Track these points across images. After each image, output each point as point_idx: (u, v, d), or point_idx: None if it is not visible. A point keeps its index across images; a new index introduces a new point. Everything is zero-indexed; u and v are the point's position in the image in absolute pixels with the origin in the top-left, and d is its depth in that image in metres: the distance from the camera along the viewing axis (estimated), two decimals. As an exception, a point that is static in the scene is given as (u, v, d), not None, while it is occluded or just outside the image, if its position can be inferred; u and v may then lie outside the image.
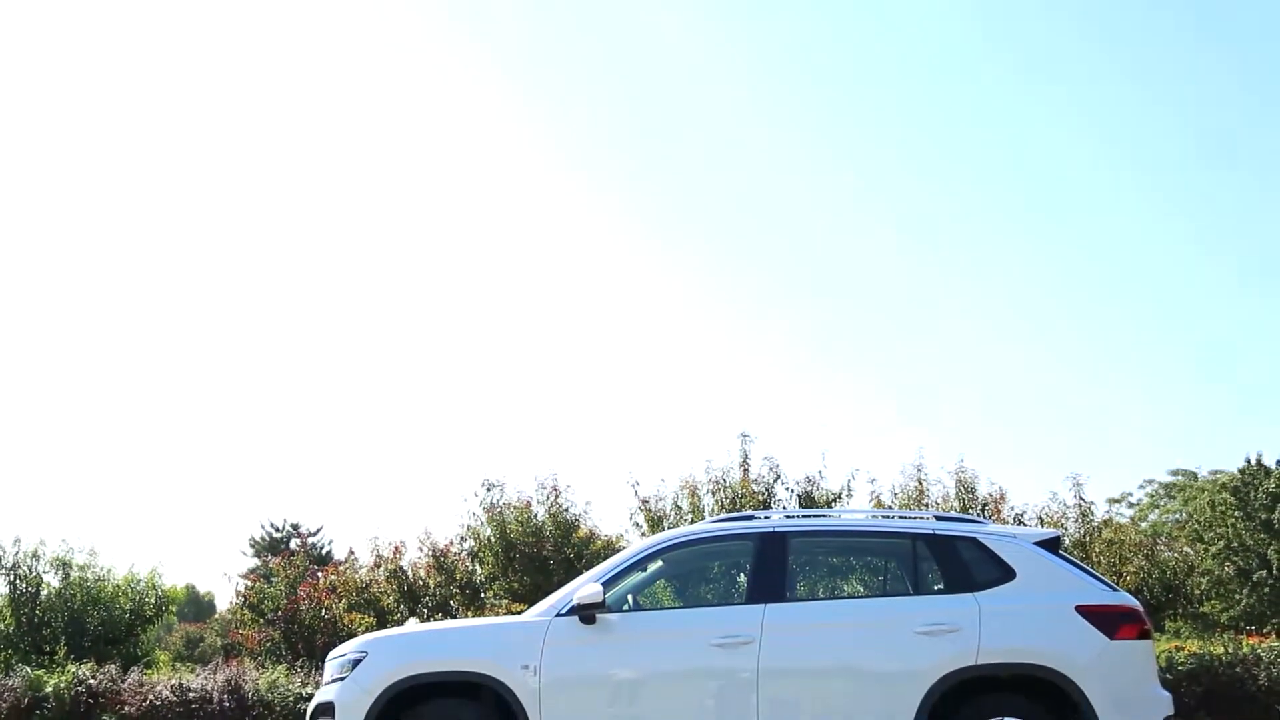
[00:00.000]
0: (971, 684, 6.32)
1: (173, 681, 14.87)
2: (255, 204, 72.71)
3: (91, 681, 14.95)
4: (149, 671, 17.12)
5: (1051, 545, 6.84)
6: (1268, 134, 58.73)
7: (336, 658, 6.93)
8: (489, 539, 18.95)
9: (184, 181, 68.98)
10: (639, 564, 7.02)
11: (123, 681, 15.04)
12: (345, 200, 69.83)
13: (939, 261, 61.46)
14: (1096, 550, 17.44)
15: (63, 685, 14.87)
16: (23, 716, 14.61)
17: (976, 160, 62.66)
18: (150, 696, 14.44)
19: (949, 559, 6.73)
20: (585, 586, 6.63)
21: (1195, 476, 45.75)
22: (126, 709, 14.39)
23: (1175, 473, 47.87)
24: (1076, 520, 18.28)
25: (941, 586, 6.71)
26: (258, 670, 15.47)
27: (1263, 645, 14.37)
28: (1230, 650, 14.14)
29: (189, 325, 74.41)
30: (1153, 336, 63.99)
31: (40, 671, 15.76)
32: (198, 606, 62.33)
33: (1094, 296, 62.95)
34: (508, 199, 67.78)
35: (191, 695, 14.33)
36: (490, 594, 18.57)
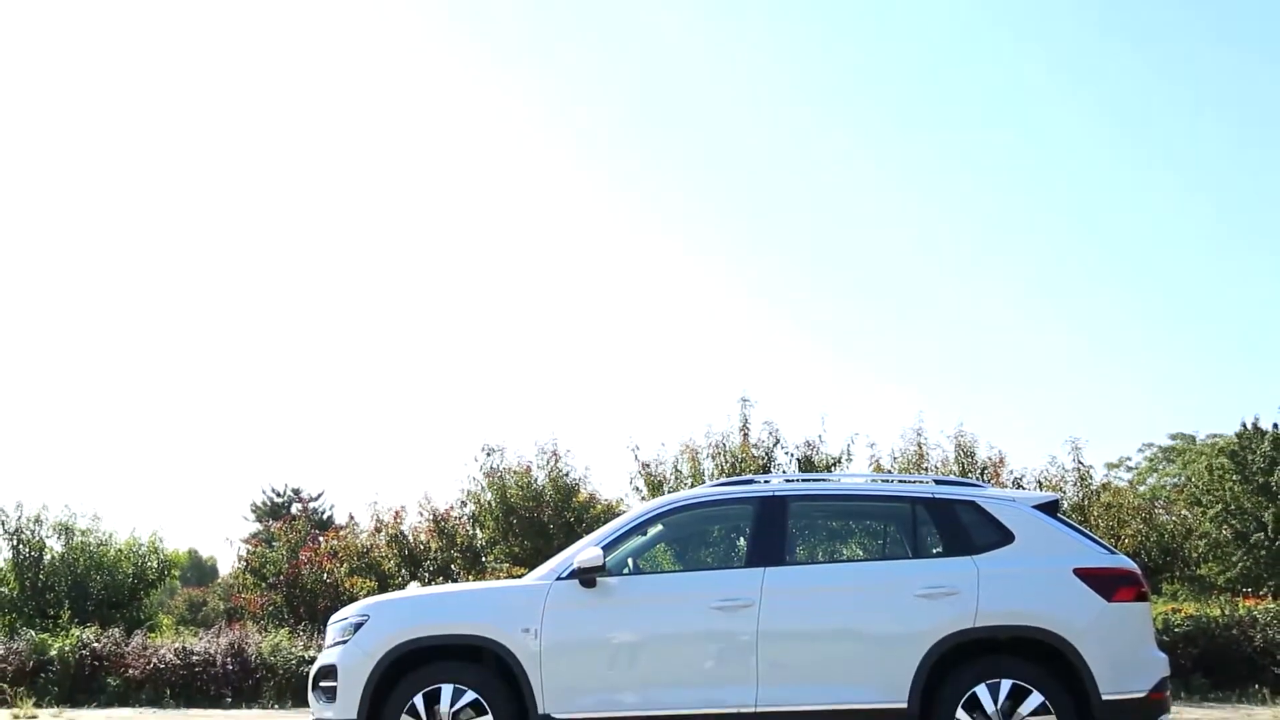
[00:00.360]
0: (970, 646, 6.36)
1: (176, 645, 14.98)
2: (260, 174, 72.43)
3: (96, 645, 15.06)
4: (152, 635, 17.24)
5: (1050, 509, 6.86)
6: (1269, 89, 58.39)
7: (338, 621, 6.97)
8: (489, 503, 19.01)
9: (188, 154, 68.67)
10: (639, 528, 7.04)
11: (126, 645, 15.14)
12: (347, 170, 69.54)
13: (938, 226, 61.29)
14: (1095, 514, 17.51)
15: (67, 648, 14.97)
16: (28, 679, 14.72)
17: (974, 126, 62.30)
18: (154, 659, 14.55)
19: (948, 522, 6.75)
20: (585, 550, 6.65)
21: (1194, 440, 45.84)
22: (130, 672, 14.50)
23: (1174, 436, 47.95)
24: (1075, 484, 18.35)
25: (940, 550, 6.74)
26: (260, 634, 15.58)
27: (1259, 607, 14.45)
28: (1226, 612, 14.23)
29: (191, 292, 74.30)
30: (1152, 300, 63.92)
31: (45, 635, 15.87)
32: (200, 571, 62.68)
33: (1093, 261, 62.83)
34: (506, 166, 67.50)
35: (195, 658, 14.43)
36: (491, 558, 18.66)
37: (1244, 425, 32.46)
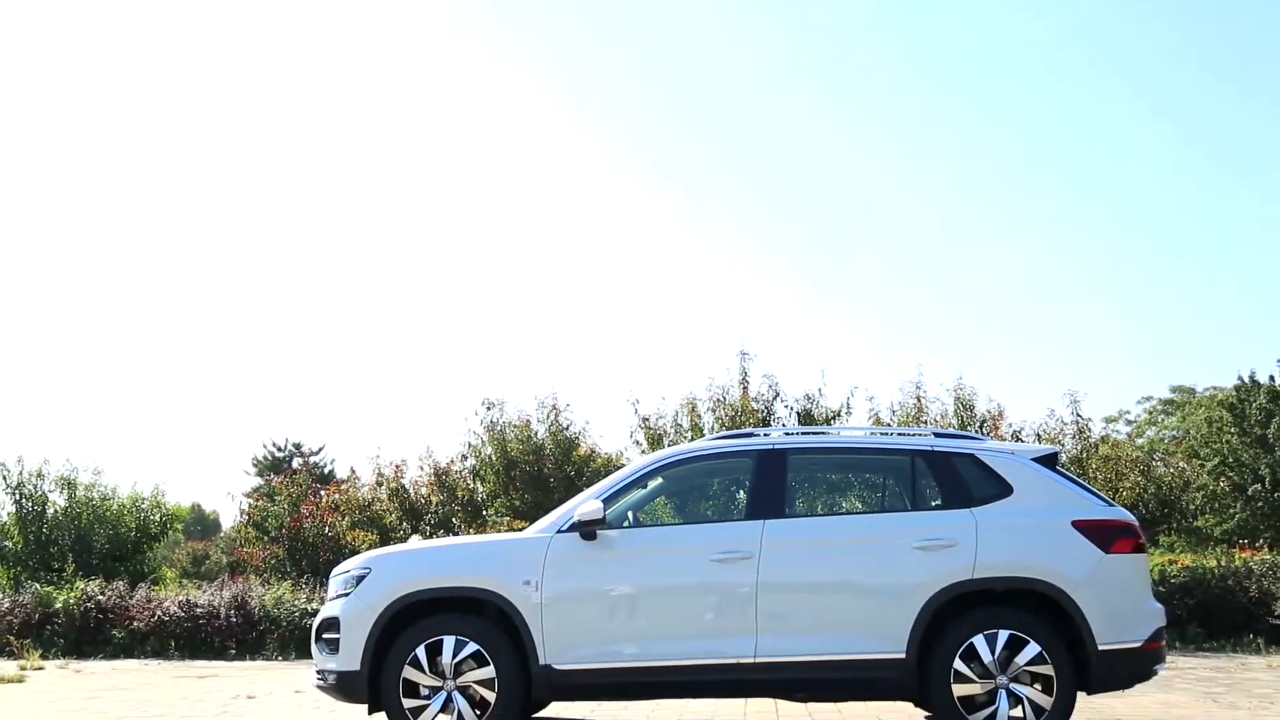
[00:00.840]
0: (968, 597, 6.38)
1: (180, 597, 15.09)
2: (265, 132, 71.85)
3: (100, 597, 15.17)
4: (156, 588, 17.39)
5: (1049, 461, 6.87)
6: (1268, 38, 57.80)
7: (341, 574, 7.00)
8: (490, 457, 19.06)
9: (199, 115, 68.09)
10: (639, 481, 7.05)
11: (131, 598, 15.26)
12: (350, 127, 68.98)
13: (937, 181, 60.94)
14: (1093, 466, 17.58)
15: (72, 601, 15.09)
16: (34, 631, 14.86)
17: (972, 81, 61.76)
18: (158, 612, 14.67)
19: (947, 475, 6.76)
20: (586, 503, 6.67)
21: (1193, 393, 45.88)
22: (135, 624, 14.63)
23: (1173, 390, 48.00)
24: (1074, 437, 18.41)
25: (939, 502, 6.76)
26: (263, 587, 15.69)
27: (1254, 559, 14.55)
28: (1222, 564, 14.33)
29: (192, 247, 74.03)
30: (1152, 253, 63.71)
31: (50, 588, 15.99)
32: (204, 524, 63.00)
33: (1091, 214, 62.53)
34: (507, 124, 66.94)
35: (199, 611, 14.56)
36: (491, 511, 18.74)
37: (1241, 378, 32.48)
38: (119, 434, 75.01)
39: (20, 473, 20.18)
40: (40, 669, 12.75)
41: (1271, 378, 31.93)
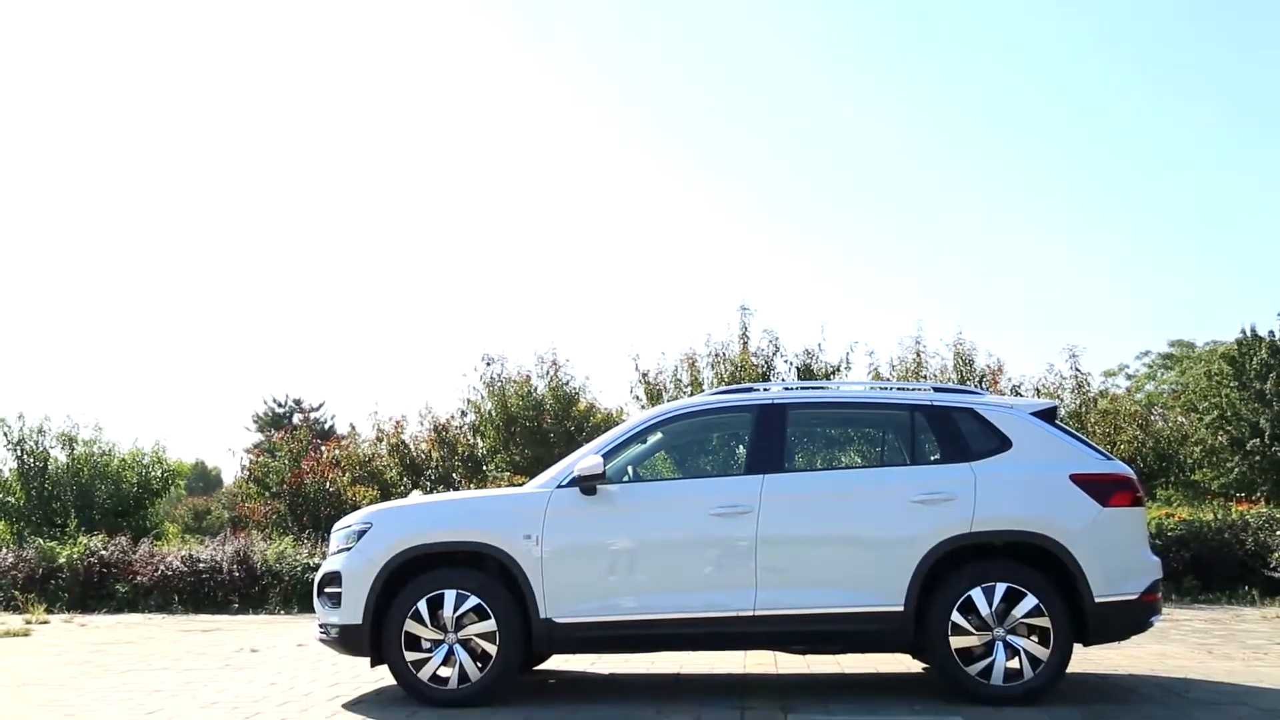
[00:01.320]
0: (966, 551, 6.42)
1: (183, 552, 15.16)
2: (268, 89, 71.22)
3: (103, 552, 15.25)
4: (159, 543, 17.46)
5: (1048, 415, 6.88)
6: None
7: (342, 529, 7.03)
8: (489, 413, 19.09)
9: (197, 71, 67.44)
10: (639, 436, 7.06)
11: (134, 553, 15.34)
12: (352, 83, 68.37)
13: (937, 136, 60.51)
14: (1092, 420, 17.62)
15: (76, 556, 15.17)
16: (38, 585, 14.95)
17: (972, 39, 61.10)
18: (161, 567, 14.75)
19: (946, 429, 6.77)
20: (586, 458, 6.68)
21: (1192, 348, 45.89)
22: (139, 579, 14.71)
23: (1173, 344, 48.02)
24: (1073, 391, 18.44)
25: (938, 456, 6.77)
26: (265, 541, 15.77)
27: (1251, 512, 14.61)
28: (1219, 517, 14.38)
29: (193, 201, 73.66)
30: (1153, 207, 63.43)
31: (53, 543, 16.07)
32: (206, 480, 63.22)
33: (1093, 169, 62.17)
34: (508, 81, 66.33)
35: (202, 565, 14.63)
36: (492, 467, 18.79)
37: (1244, 331, 32.45)
38: (120, 391, 75.12)
39: (21, 429, 20.24)
40: (45, 623, 12.85)
41: (1272, 332, 31.91)
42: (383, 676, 7.36)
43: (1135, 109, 61.39)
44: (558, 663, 8.26)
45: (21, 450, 20.14)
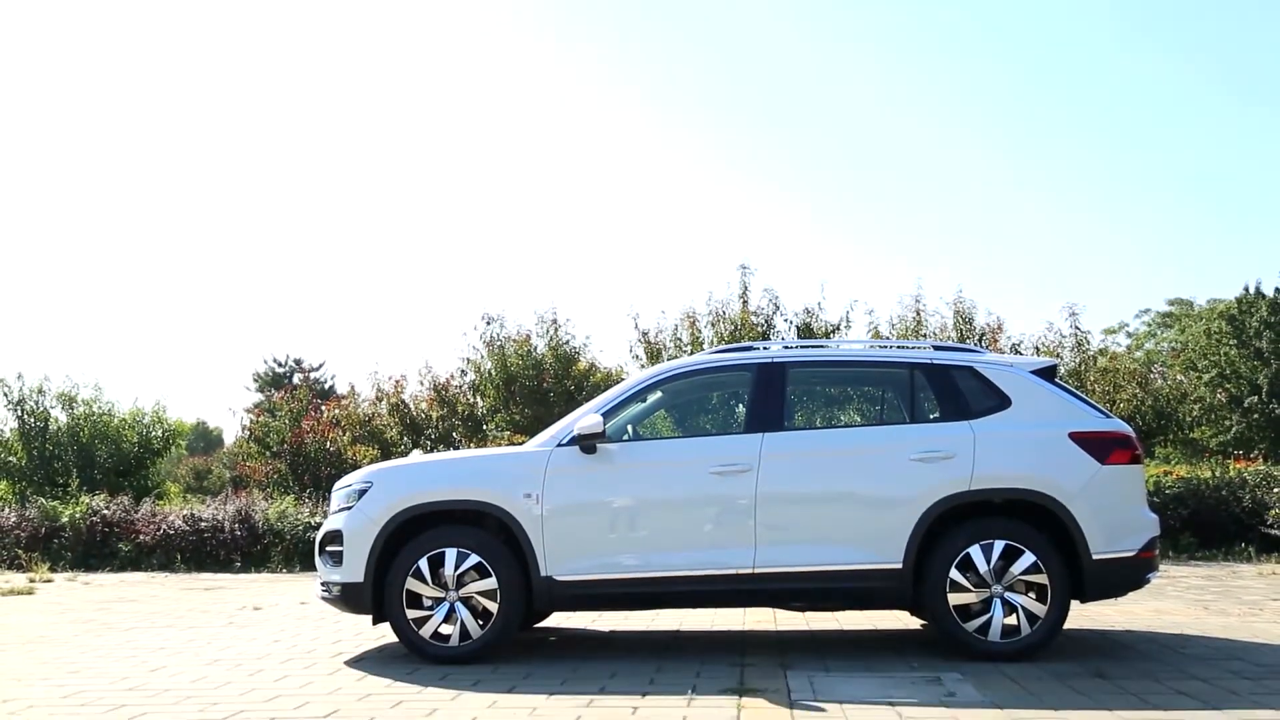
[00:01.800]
0: (965, 509, 6.44)
1: (185, 512, 15.24)
2: (270, 47, 70.57)
3: (106, 512, 15.32)
4: (161, 502, 17.54)
5: (1047, 374, 6.87)
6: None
7: (343, 488, 7.05)
8: (489, 372, 19.11)
9: (202, 30, 66.80)
10: (639, 395, 7.06)
11: (136, 512, 15.41)
12: (354, 44, 67.75)
13: (936, 94, 60.06)
14: (1091, 379, 17.65)
15: (78, 515, 15.23)
16: (41, 545, 15.03)
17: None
18: (164, 526, 14.82)
19: (945, 388, 6.76)
20: (586, 417, 6.68)
21: (1192, 306, 45.82)
22: (141, 538, 14.79)
23: (1172, 302, 47.95)
24: (1072, 349, 18.45)
25: (937, 415, 6.77)
26: (266, 501, 15.83)
27: (1249, 469, 14.66)
28: (1216, 474, 14.44)
29: (193, 163, 73.28)
30: (1154, 165, 63.10)
31: (55, 503, 16.14)
32: (207, 440, 63.41)
33: (1093, 127, 61.77)
34: (510, 37, 65.74)
35: (204, 525, 14.70)
36: (492, 426, 18.84)
37: (1246, 289, 32.38)
38: (120, 351, 75.14)
39: (21, 389, 20.26)
40: (49, 581, 12.93)
41: (1277, 289, 31.79)
42: (385, 634, 7.42)
43: (1137, 64, 60.91)
44: (558, 620, 8.32)
45: (22, 410, 20.18)
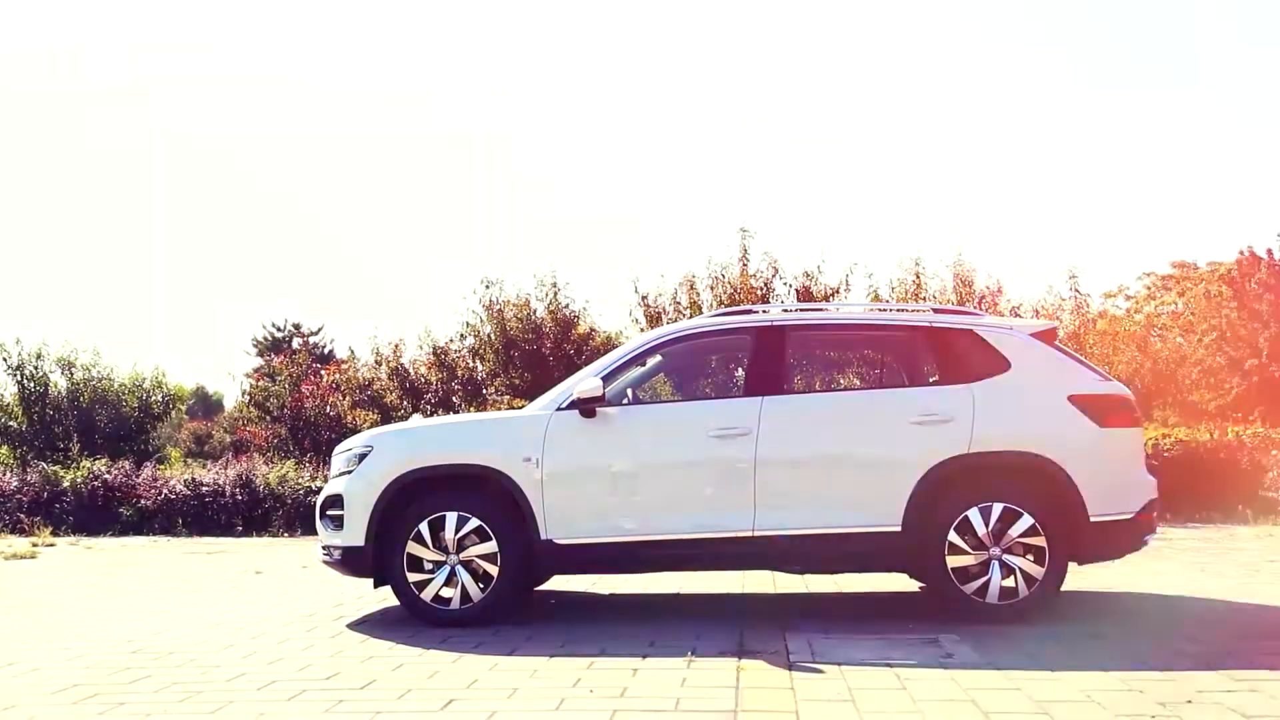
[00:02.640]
0: (964, 471, 6.42)
1: (186, 476, 15.30)
2: (265, 11, 69.92)
3: (107, 476, 15.37)
4: (162, 467, 17.59)
5: (1047, 336, 6.86)
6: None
7: (343, 452, 7.05)
8: (489, 336, 19.10)
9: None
10: (638, 359, 7.05)
11: (137, 476, 15.46)
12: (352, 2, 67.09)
13: (937, 52, 59.64)
14: (1091, 342, 17.64)
15: (80, 480, 15.29)
16: (43, 509, 15.09)
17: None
18: (165, 490, 14.88)
19: (945, 351, 6.75)
20: (585, 381, 6.67)
21: (1195, 269, 45.67)
22: (143, 502, 14.85)
23: (1174, 265, 47.79)
24: (1072, 312, 18.44)
25: (937, 378, 6.77)
26: (266, 465, 15.88)
27: (1247, 432, 14.69)
28: (1215, 437, 14.47)
29: (191, 124, 72.86)
30: (1154, 127, 62.78)
31: (56, 467, 16.18)
32: (207, 405, 63.47)
33: (1094, 87, 61.37)
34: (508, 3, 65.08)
35: (205, 489, 14.76)
36: (491, 390, 18.85)
37: (1242, 252, 32.27)
38: (118, 316, 75.05)
39: (20, 353, 20.25)
40: (51, 545, 12.99)
41: (1269, 251, 31.71)
42: (385, 597, 7.46)
43: (1137, 24, 60.45)
44: (559, 583, 8.36)
45: (21, 375, 20.18)
